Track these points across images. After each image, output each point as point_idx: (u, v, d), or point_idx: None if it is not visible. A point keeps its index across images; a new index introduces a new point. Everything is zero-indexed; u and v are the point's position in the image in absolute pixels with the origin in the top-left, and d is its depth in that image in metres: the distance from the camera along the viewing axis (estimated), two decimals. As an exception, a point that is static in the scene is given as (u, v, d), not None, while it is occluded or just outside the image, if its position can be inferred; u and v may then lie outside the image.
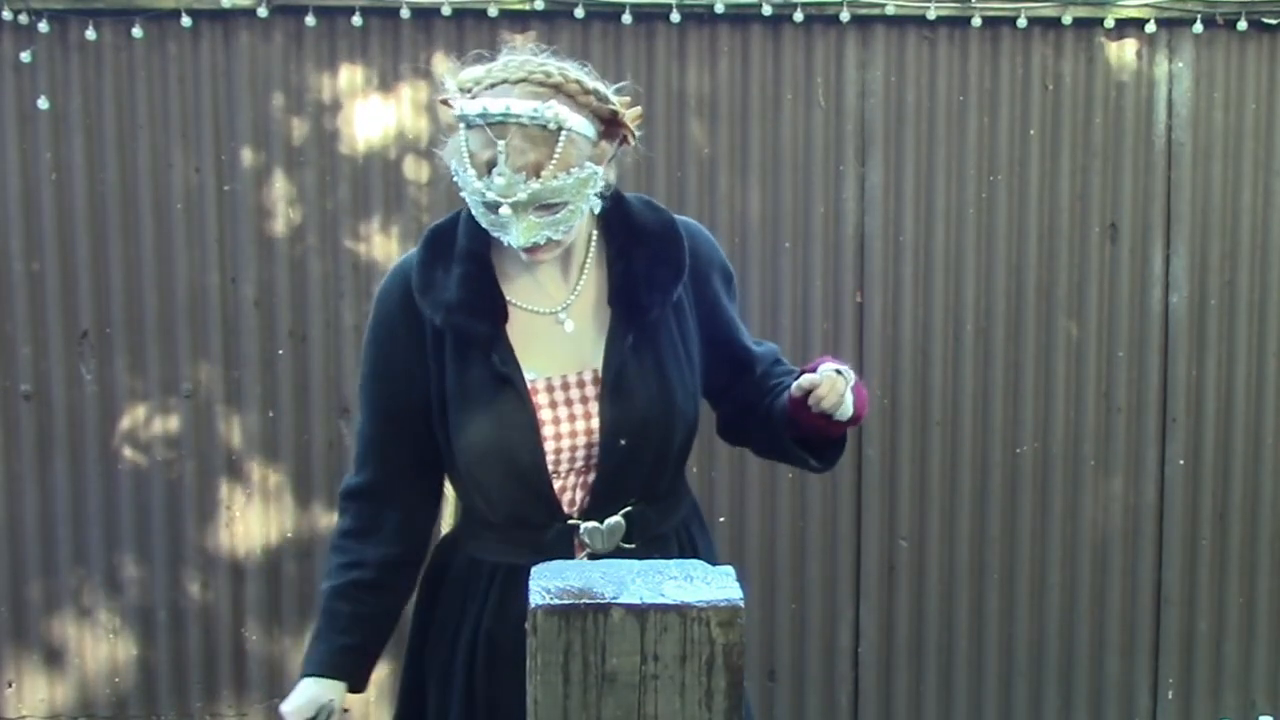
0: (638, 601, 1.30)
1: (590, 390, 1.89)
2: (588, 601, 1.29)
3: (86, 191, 3.81)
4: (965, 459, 3.93)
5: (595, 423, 1.88)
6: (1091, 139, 3.89)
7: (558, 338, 1.90)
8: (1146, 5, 3.83)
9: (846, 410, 1.84)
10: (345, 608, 2.02)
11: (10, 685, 3.92)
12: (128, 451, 3.86)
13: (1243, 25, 3.84)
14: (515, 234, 1.77)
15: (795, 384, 1.83)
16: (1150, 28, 3.84)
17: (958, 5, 3.81)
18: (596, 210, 1.87)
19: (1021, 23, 3.81)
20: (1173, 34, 3.88)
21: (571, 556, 1.85)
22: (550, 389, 1.89)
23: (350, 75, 3.82)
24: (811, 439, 1.93)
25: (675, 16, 3.76)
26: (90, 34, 3.73)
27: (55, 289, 3.82)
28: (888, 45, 3.85)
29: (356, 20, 3.74)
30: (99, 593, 3.89)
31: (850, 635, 3.94)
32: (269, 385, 3.86)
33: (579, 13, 3.75)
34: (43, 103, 3.76)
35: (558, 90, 1.75)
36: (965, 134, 3.87)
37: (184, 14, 3.72)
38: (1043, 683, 3.96)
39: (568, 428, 1.88)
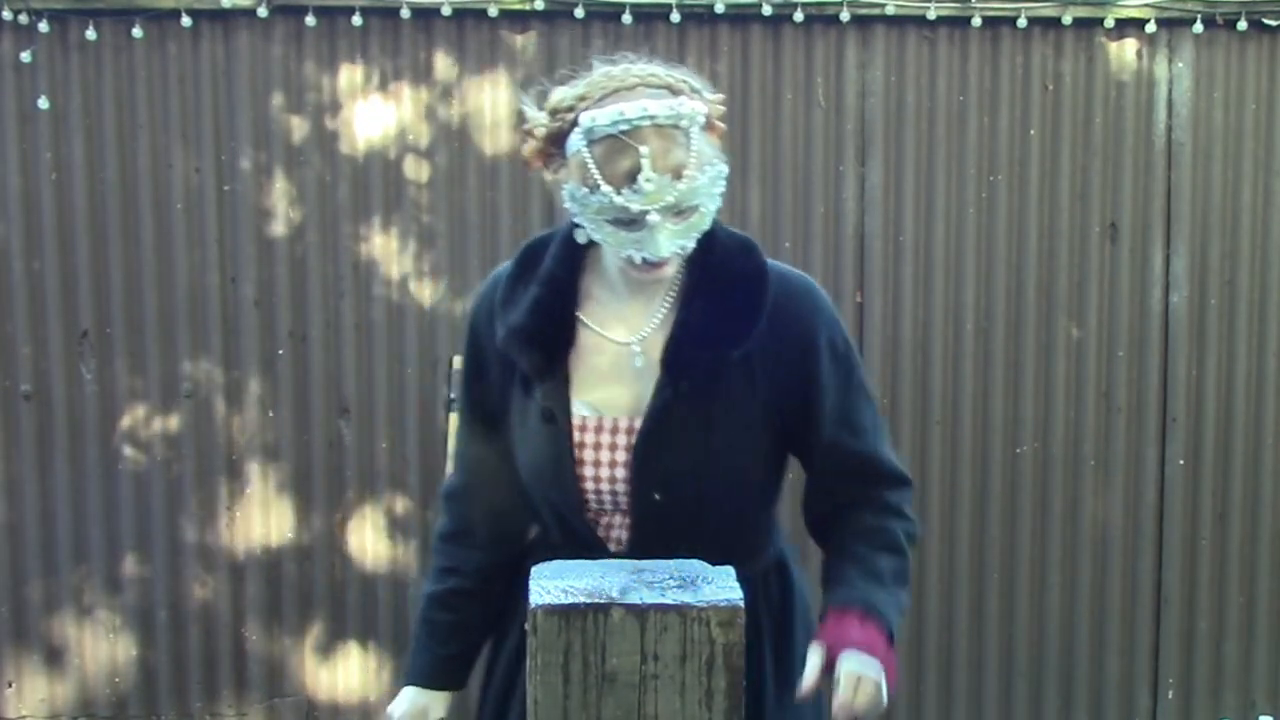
0: (638, 601, 1.30)
1: (627, 438, 1.81)
2: (588, 601, 1.29)
3: (86, 191, 3.81)
4: (965, 459, 3.92)
5: (625, 472, 1.81)
6: (1091, 139, 3.89)
7: (626, 373, 1.82)
8: (1146, 5, 3.83)
9: (881, 703, 1.69)
10: (444, 617, 2.02)
11: (10, 685, 3.92)
12: (128, 451, 3.86)
13: (1243, 25, 3.84)
14: (660, 243, 1.68)
15: (805, 683, 1.70)
16: (1150, 28, 3.84)
17: (958, 5, 3.81)
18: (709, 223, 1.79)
19: (1021, 23, 3.81)
20: (1173, 34, 3.88)
21: None
22: (599, 429, 1.82)
23: (350, 75, 3.81)
24: None
25: (675, 16, 3.76)
26: (90, 34, 3.73)
27: (55, 289, 3.82)
28: (888, 45, 3.85)
29: (356, 20, 3.74)
30: (99, 592, 3.89)
31: (850, 635, 3.94)
32: (269, 385, 3.86)
33: (579, 13, 3.75)
34: (43, 103, 3.76)
35: (672, 90, 1.71)
36: (965, 134, 3.87)
37: (184, 14, 3.72)
38: (1043, 683, 3.96)
39: (607, 472, 1.81)
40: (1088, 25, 3.85)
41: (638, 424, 1.80)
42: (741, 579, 1.69)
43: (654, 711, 1.28)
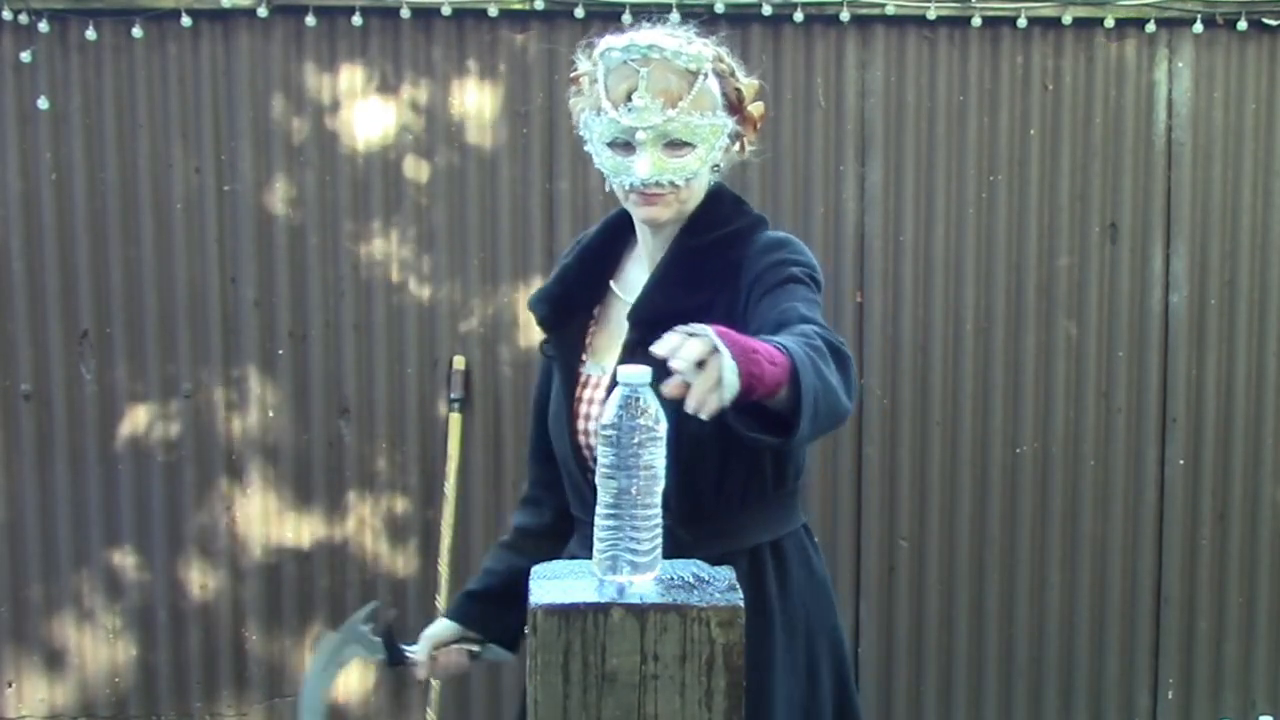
0: (638, 601, 1.30)
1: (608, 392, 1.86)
2: (588, 601, 1.29)
3: (86, 191, 3.81)
4: (965, 459, 3.92)
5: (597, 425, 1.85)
6: (1091, 139, 3.89)
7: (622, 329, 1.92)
8: (1146, 5, 3.83)
9: (725, 391, 1.38)
10: (484, 562, 2.15)
11: (10, 685, 3.92)
12: (128, 451, 3.86)
13: (1243, 25, 3.84)
14: (643, 165, 1.79)
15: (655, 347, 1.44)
16: (1150, 28, 3.84)
17: (958, 5, 3.81)
18: (711, 183, 1.89)
19: (1021, 23, 3.81)
20: (1173, 34, 3.88)
21: None
22: (597, 385, 1.91)
23: (350, 75, 3.81)
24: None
25: (675, 16, 3.75)
26: (90, 34, 3.73)
27: (55, 289, 3.82)
28: (888, 45, 3.85)
29: (356, 20, 3.74)
30: (99, 593, 3.89)
31: (850, 635, 3.94)
32: (269, 385, 3.86)
33: (579, 13, 3.75)
34: (43, 103, 3.76)
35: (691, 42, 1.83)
36: (965, 134, 3.87)
37: (184, 14, 3.72)
38: (1043, 683, 3.96)
39: (595, 425, 1.86)
40: (1088, 25, 3.85)
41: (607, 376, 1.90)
42: (710, 556, 1.63)
43: (654, 711, 1.28)
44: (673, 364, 1.37)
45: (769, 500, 1.91)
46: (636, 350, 1.79)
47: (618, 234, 1.99)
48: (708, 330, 1.40)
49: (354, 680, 3.93)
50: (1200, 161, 3.92)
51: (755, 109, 1.92)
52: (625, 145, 1.82)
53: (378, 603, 2.08)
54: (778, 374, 1.44)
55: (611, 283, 1.97)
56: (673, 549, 1.84)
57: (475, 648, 2.09)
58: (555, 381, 1.96)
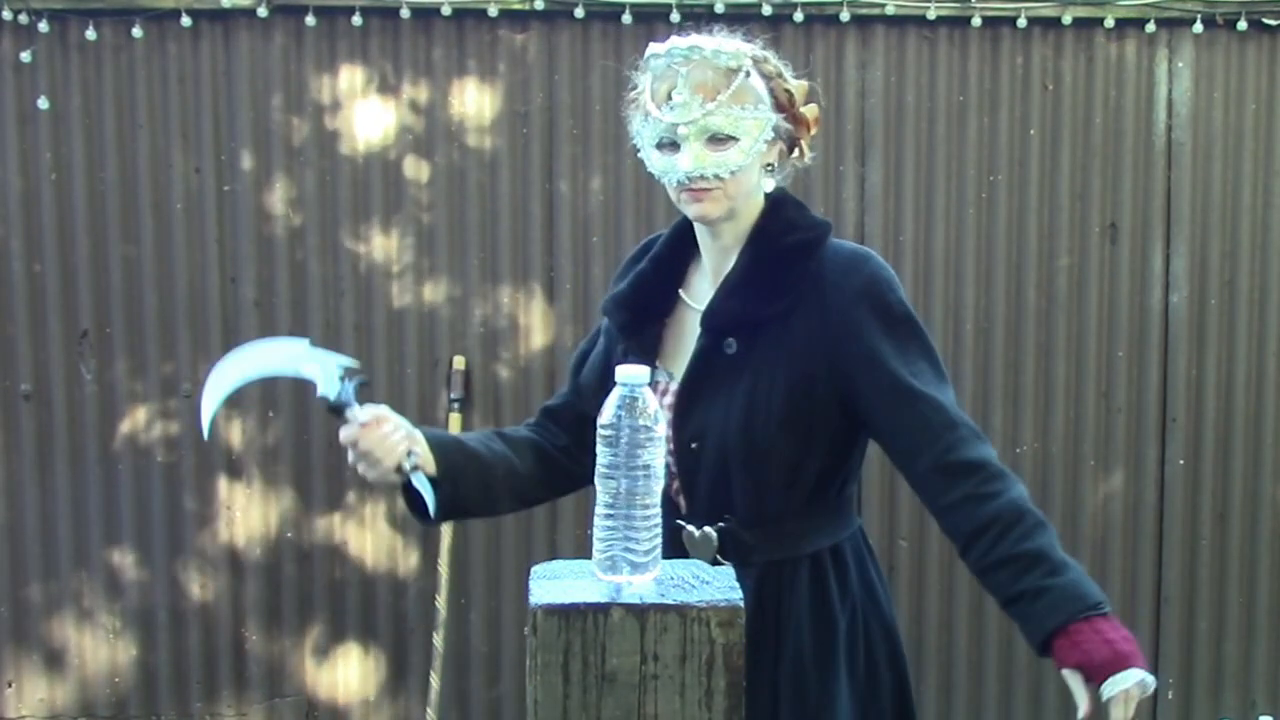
0: (638, 601, 1.30)
1: (671, 399, 1.92)
2: (588, 601, 1.29)
3: (86, 191, 3.81)
4: (965, 459, 3.92)
5: (670, 429, 1.88)
6: (1091, 139, 3.89)
7: (692, 335, 1.94)
8: (1146, 5, 3.83)
9: (1148, 688, 1.73)
10: (480, 433, 2.10)
11: (10, 685, 3.92)
12: (128, 451, 3.86)
13: (1243, 25, 3.84)
14: (685, 159, 1.81)
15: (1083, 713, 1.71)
16: (1150, 28, 3.84)
17: (958, 5, 3.81)
18: (767, 189, 1.91)
19: (1021, 23, 3.81)
20: (1173, 34, 3.88)
21: (685, 556, 1.80)
22: (667, 392, 1.92)
23: (350, 75, 3.81)
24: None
25: (675, 16, 3.76)
26: (90, 34, 3.73)
27: (55, 289, 3.82)
28: (888, 45, 3.85)
29: (356, 20, 3.74)
30: (99, 593, 3.89)
31: (850, 635, 3.94)
32: (269, 385, 3.86)
33: (579, 13, 3.75)
34: (43, 103, 3.76)
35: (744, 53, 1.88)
36: (965, 134, 3.87)
37: (184, 14, 3.72)
38: (1043, 683, 3.96)
39: (667, 430, 1.86)
40: (1088, 25, 3.85)
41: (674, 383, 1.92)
42: (772, 561, 1.78)
43: (654, 711, 1.28)
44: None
45: (830, 506, 1.94)
46: (711, 356, 1.87)
47: (684, 244, 2.00)
48: (1142, 676, 1.69)
49: (354, 680, 3.93)
50: (1200, 161, 3.92)
51: (809, 110, 1.93)
52: (671, 145, 1.85)
53: (363, 376, 1.91)
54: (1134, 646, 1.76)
55: (681, 291, 1.98)
56: (735, 552, 1.87)
57: (410, 461, 1.85)
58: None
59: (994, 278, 3.90)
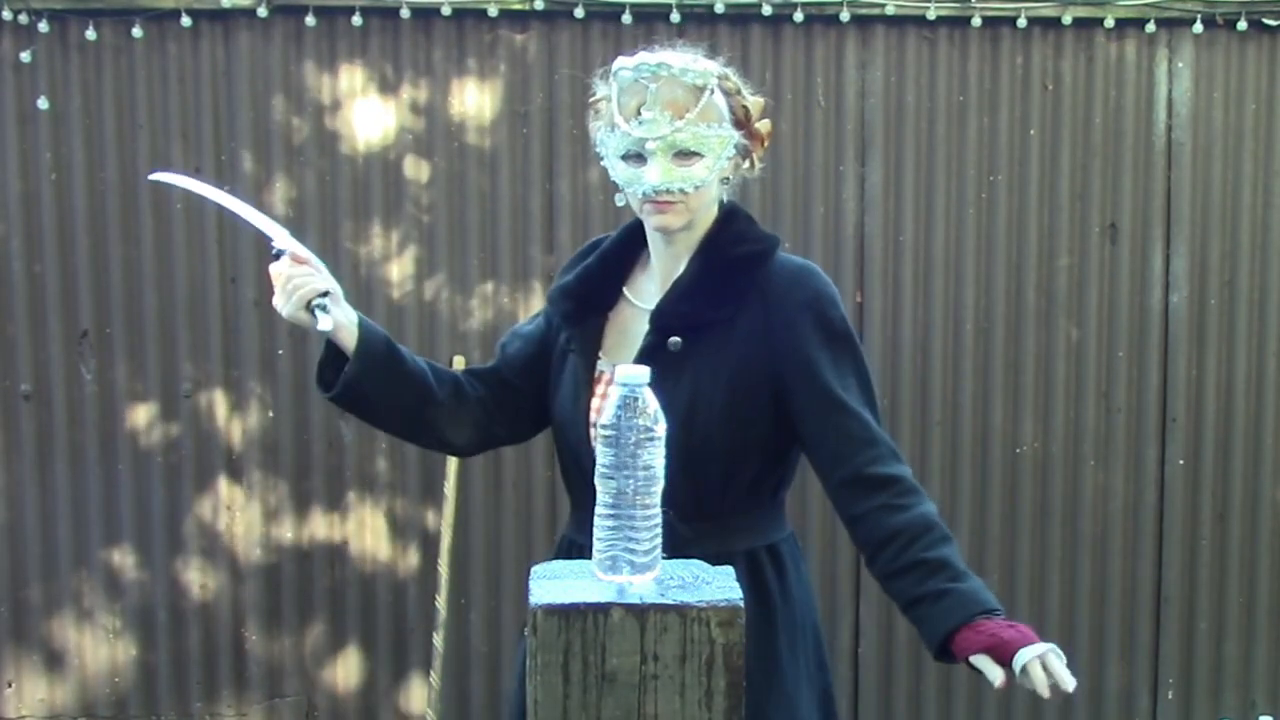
0: (637, 601, 1.30)
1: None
2: (588, 601, 1.29)
3: (86, 191, 3.81)
4: (965, 459, 3.92)
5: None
6: (1091, 139, 3.89)
7: (635, 333, 2.01)
8: (1146, 5, 3.83)
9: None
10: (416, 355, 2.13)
11: (10, 685, 3.92)
12: (128, 451, 3.86)
13: (1243, 25, 3.84)
14: (653, 173, 1.89)
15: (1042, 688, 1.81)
16: (1150, 28, 3.84)
17: (958, 5, 3.81)
18: (723, 198, 2.00)
19: (1021, 23, 3.81)
20: (1173, 34, 3.88)
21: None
22: (609, 381, 1.95)
23: (350, 75, 3.81)
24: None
25: (675, 16, 3.76)
26: (90, 34, 3.73)
27: (55, 289, 3.82)
28: (888, 45, 3.85)
29: (356, 20, 3.74)
30: (99, 592, 3.89)
31: (850, 635, 3.94)
32: (269, 385, 3.86)
33: (579, 13, 3.75)
34: (43, 103, 3.76)
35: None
36: (965, 134, 3.87)
37: (184, 14, 3.72)
38: (1043, 683, 3.96)
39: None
40: (1088, 25, 3.85)
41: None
42: (706, 554, 1.74)
43: (654, 711, 1.28)
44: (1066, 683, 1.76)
45: (765, 507, 2.03)
46: (656, 352, 1.93)
47: (632, 244, 2.08)
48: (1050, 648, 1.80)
49: (354, 680, 3.93)
50: (1200, 161, 3.92)
51: (762, 125, 2.01)
52: (637, 157, 1.92)
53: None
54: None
55: (625, 289, 2.07)
56: (671, 543, 1.90)
57: (326, 303, 2.01)
58: (566, 373, 2.05)
59: (994, 278, 3.90)
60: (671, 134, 1.88)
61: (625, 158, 1.93)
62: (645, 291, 2.04)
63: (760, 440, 1.96)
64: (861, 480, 1.90)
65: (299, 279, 2.04)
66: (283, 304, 2.00)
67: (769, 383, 1.93)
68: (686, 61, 1.90)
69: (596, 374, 2.01)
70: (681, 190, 1.91)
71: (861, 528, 1.91)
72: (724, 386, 1.92)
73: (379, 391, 2.01)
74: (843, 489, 1.92)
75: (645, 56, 1.90)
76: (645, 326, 1.99)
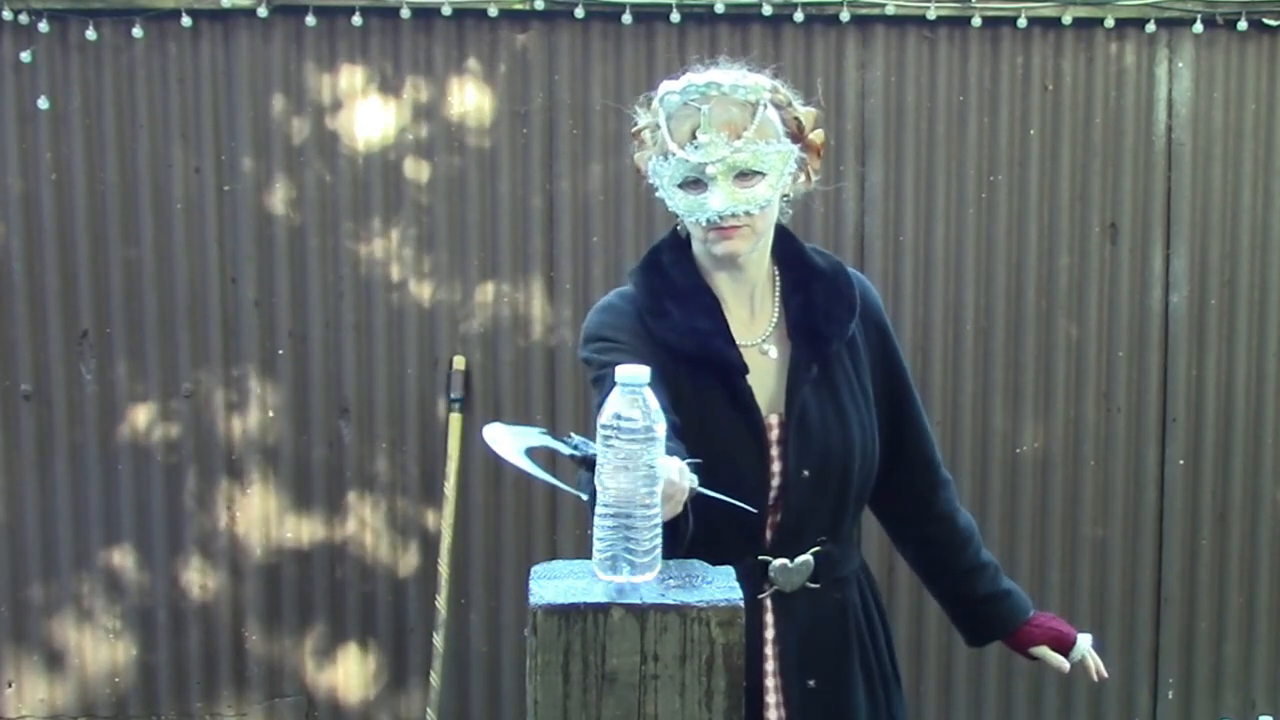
0: (637, 601, 1.30)
1: (776, 432, 1.90)
2: (588, 601, 1.29)
3: (86, 191, 3.81)
4: (965, 459, 3.92)
5: (777, 463, 1.89)
6: (1091, 139, 3.89)
7: (764, 369, 1.92)
8: (1146, 5, 3.83)
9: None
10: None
11: (10, 685, 3.92)
12: (128, 451, 3.86)
13: (1243, 25, 3.84)
14: (716, 198, 1.81)
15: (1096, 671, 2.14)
16: (1150, 28, 3.84)
17: (958, 5, 3.81)
18: (783, 219, 1.96)
19: (1021, 23, 3.81)
20: (1173, 34, 3.88)
21: (759, 593, 1.88)
22: (779, 426, 1.92)
23: (350, 75, 3.81)
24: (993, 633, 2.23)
25: (675, 16, 3.76)
26: (90, 34, 3.73)
27: (55, 289, 3.82)
28: (888, 45, 3.85)
29: (356, 20, 3.74)
30: (99, 593, 3.89)
31: (850, 635, 3.94)
32: (269, 385, 3.86)
33: (579, 13, 3.75)
34: (43, 103, 3.76)
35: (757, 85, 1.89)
36: (965, 134, 3.87)
37: (184, 14, 3.72)
38: (1043, 683, 3.96)
39: (776, 464, 1.91)
40: (1088, 25, 3.85)
41: (774, 421, 1.90)
42: (843, 575, 1.96)
43: (654, 711, 1.28)
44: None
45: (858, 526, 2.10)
46: (811, 367, 1.90)
47: (698, 281, 1.93)
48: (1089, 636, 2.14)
49: (354, 680, 3.93)
50: (1200, 161, 3.92)
51: (817, 136, 1.94)
52: (696, 183, 1.83)
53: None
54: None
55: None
56: (828, 571, 1.95)
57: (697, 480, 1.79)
58: (727, 415, 1.88)
59: (994, 278, 3.90)
60: (731, 155, 1.80)
61: (684, 185, 1.84)
62: (735, 326, 1.91)
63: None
64: (942, 483, 2.11)
65: (670, 489, 1.67)
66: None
67: (886, 395, 2.00)
68: (735, 78, 1.83)
69: (766, 424, 1.89)
70: (747, 213, 1.82)
71: (943, 526, 2.12)
72: (872, 405, 1.96)
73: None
74: (930, 491, 2.09)
75: (692, 77, 1.83)
76: (761, 359, 1.90)
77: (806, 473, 1.87)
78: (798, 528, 1.90)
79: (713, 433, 1.85)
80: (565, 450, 1.63)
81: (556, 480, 1.64)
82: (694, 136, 1.81)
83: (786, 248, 1.97)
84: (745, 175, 1.82)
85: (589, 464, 1.67)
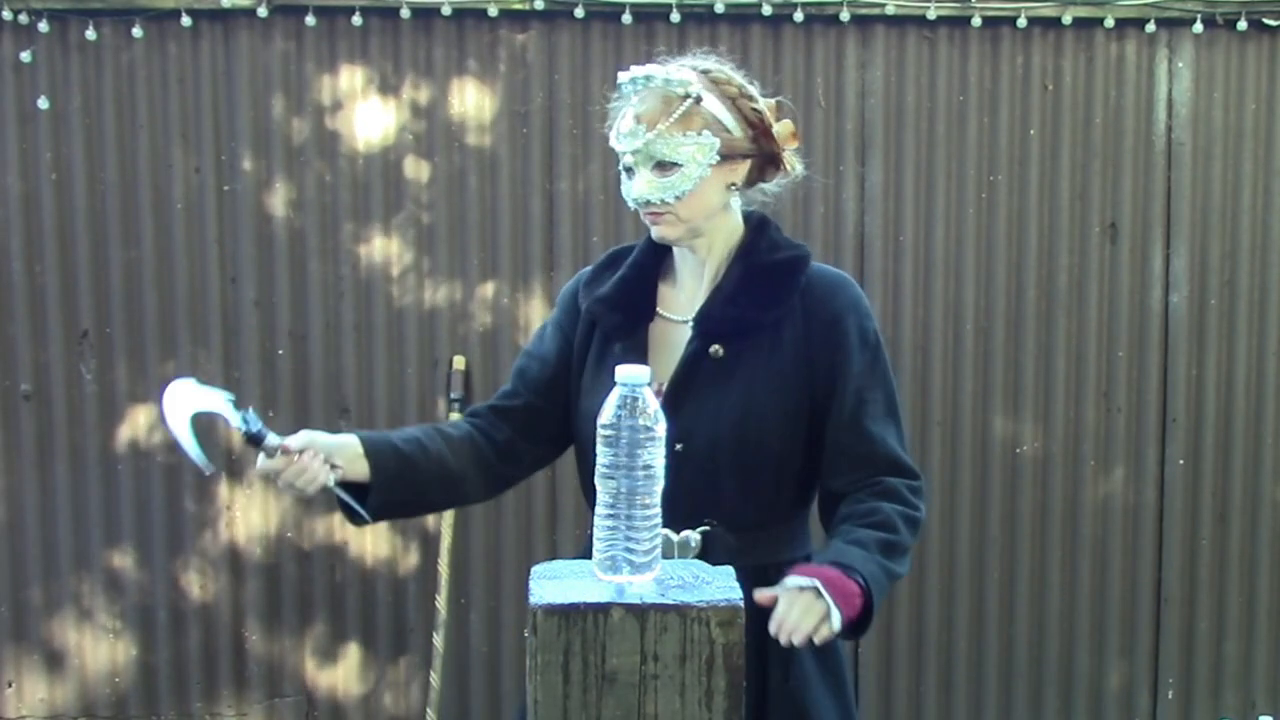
0: (638, 601, 1.30)
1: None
2: (588, 601, 1.29)
3: (86, 191, 3.81)
4: (965, 459, 3.92)
5: None
6: (1091, 139, 3.89)
7: (669, 342, 2.01)
8: (1146, 5, 3.83)
9: (824, 631, 1.71)
10: (415, 430, 2.12)
11: (10, 685, 3.92)
12: (128, 451, 3.86)
13: (1243, 25, 3.84)
14: (636, 185, 1.91)
15: (756, 594, 1.72)
16: (1150, 28, 3.84)
17: (958, 5, 3.81)
18: (730, 205, 1.98)
19: (1021, 23, 3.81)
20: (1173, 34, 3.88)
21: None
22: (655, 394, 1.92)
23: (350, 75, 3.81)
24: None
25: (675, 16, 3.76)
26: (90, 34, 3.73)
27: (55, 289, 3.82)
28: (888, 45, 3.85)
29: (356, 20, 3.74)
30: (99, 593, 3.89)
31: (850, 635, 3.94)
32: (269, 385, 3.86)
33: (579, 13, 3.75)
34: (43, 103, 3.76)
35: (705, 75, 1.94)
36: (965, 134, 3.87)
37: (184, 14, 3.72)
38: (1043, 683, 3.96)
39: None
40: (1088, 25, 3.85)
41: (655, 385, 1.93)
42: (751, 565, 1.82)
43: (654, 711, 1.28)
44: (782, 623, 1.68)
45: (804, 516, 2.06)
46: (700, 361, 1.94)
47: (656, 256, 2.07)
48: (816, 583, 1.70)
49: (354, 680, 3.93)
50: (1200, 161, 3.92)
51: (783, 127, 1.99)
52: (628, 169, 1.94)
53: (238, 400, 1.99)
54: (859, 604, 1.75)
55: (659, 305, 2.05)
56: (721, 556, 1.88)
57: (334, 477, 2.00)
58: (605, 381, 1.91)
59: (994, 278, 3.90)
60: (644, 145, 1.88)
61: (624, 170, 1.95)
62: (674, 304, 2.03)
63: (804, 446, 1.97)
64: (845, 498, 1.94)
65: (300, 481, 2.01)
66: (292, 493, 2.01)
67: (810, 388, 1.95)
68: (669, 71, 1.90)
69: (656, 386, 1.95)
70: (663, 200, 1.90)
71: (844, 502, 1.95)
72: (775, 392, 1.93)
73: (405, 502, 2.08)
74: (828, 499, 1.98)
75: (636, 69, 1.91)
76: (682, 337, 1.98)
77: (679, 446, 1.88)
78: (681, 503, 1.86)
79: (598, 389, 1.95)
80: (234, 423, 1.88)
81: (197, 452, 1.90)
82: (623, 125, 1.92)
83: (755, 238, 2.01)
84: (663, 165, 1.89)
85: (253, 440, 1.89)
